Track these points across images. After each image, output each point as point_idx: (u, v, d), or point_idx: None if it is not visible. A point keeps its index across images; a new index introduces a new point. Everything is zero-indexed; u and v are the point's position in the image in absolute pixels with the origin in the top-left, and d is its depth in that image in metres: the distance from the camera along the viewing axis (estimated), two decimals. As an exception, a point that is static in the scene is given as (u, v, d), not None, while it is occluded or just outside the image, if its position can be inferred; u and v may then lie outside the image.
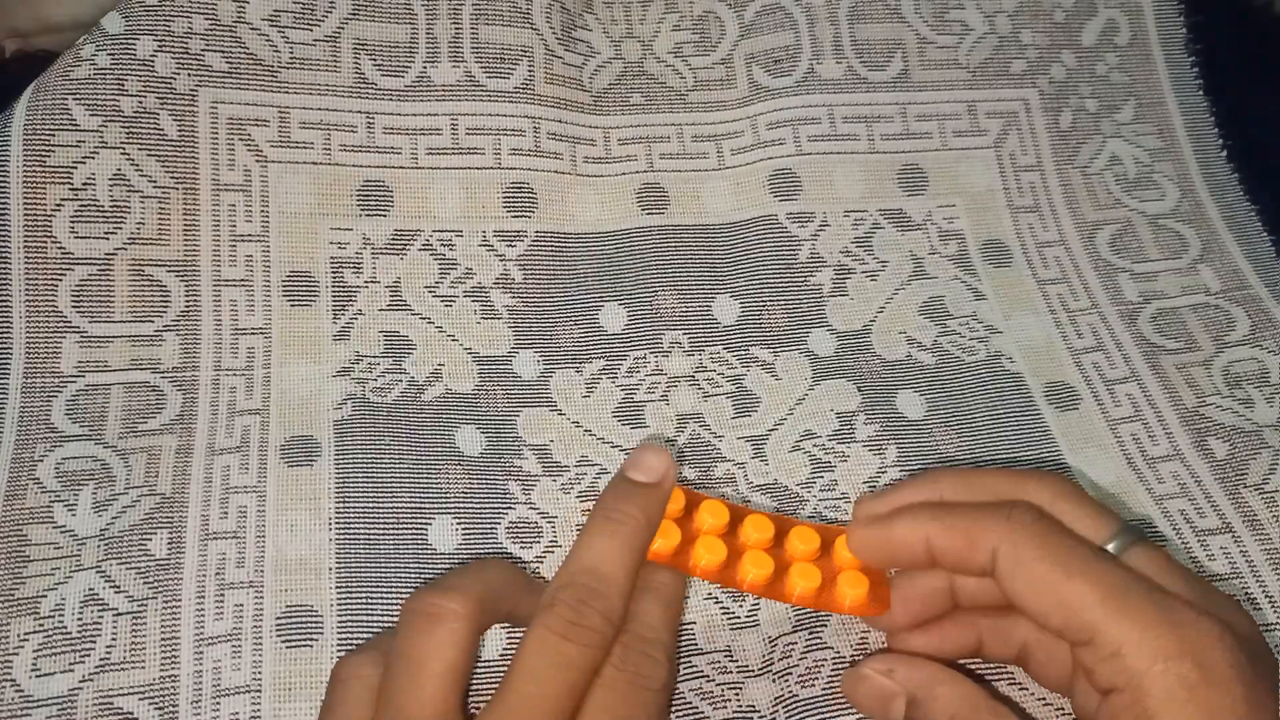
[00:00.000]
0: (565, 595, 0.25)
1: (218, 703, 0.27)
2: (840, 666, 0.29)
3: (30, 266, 0.32)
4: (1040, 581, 0.24)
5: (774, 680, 0.29)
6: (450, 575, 0.27)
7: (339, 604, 0.29)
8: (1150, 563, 0.25)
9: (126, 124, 0.33)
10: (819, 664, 0.29)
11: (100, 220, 0.33)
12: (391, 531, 0.30)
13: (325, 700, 0.26)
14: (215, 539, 0.30)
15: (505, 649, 0.28)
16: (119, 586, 0.28)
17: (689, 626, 0.30)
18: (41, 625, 0.28)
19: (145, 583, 0.29)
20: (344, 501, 0.31)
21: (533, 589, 0.28)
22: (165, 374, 0.32)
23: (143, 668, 0.27)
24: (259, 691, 0.27)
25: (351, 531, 0.30)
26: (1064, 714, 0.29)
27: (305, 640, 0.28)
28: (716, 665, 0.29)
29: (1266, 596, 0.31)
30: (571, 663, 0.24)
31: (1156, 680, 0.22)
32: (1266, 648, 0.24)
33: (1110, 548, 0.25)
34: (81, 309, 0.32)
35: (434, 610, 0.25)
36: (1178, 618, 0.22)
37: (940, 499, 0.27)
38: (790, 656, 0.29)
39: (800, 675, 0.29)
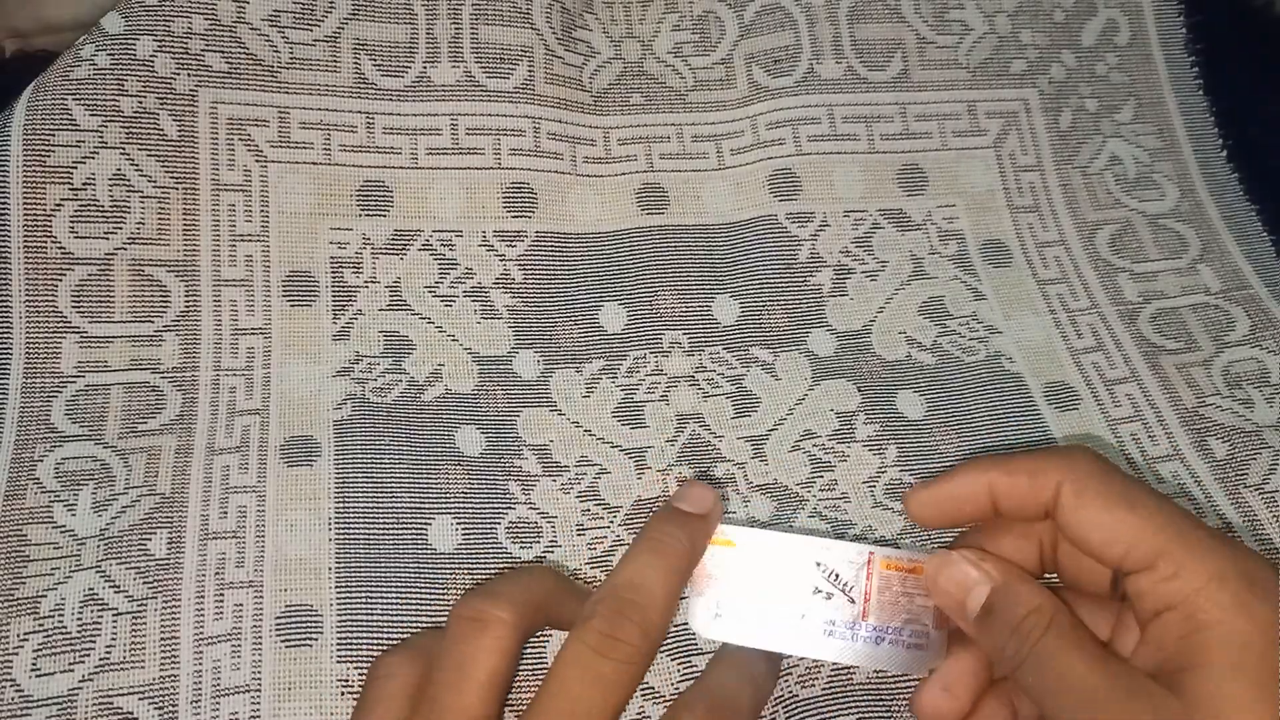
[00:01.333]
0: (603, 608, 0.25)
1: (217, 703, 0.27)
2: (840, 666, 0.29)
3: (30, 266, 0.32)
4: (1104, 512, 0.24)
5: (774, 680, 0.29)
6: (497, 581, 0.27)
7: (339, 604, 0.29)
8: None
9: (126, 124, 0.33)
10: (819, 664, 0.29)
11: (100, 220, 0.33)
12: (391, 531, 0.30)
13: (362, 696, 0.26)
14: (215, 539, 0.30)
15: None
16: (119, 586, 0.28)
17: (684, 626, 0.29)
18: (41, 625, 0.28)
19: (145, 583, 0.29)
20: (344, 501, 0.31)
21: (577, 595, 0.28)
22: (165, 374, 0.32)
23: (142, 668, 0.27)
24: (258, 691, 0.27)
25: (351, 531, 0.30)
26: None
27: (305, 640, 0.28)
28: (716, 665, 0.29)
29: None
30: (605, 678, 0.24)
31: (1211, 595, 0.22)
32: None
33: None
34: (81, 309, 0.32)
35: (481, 616, 0.25)
36: (1231, 548, 0.23)
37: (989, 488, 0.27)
38: (790, 657, 0.29)
39: (800, 675, 0.29)
